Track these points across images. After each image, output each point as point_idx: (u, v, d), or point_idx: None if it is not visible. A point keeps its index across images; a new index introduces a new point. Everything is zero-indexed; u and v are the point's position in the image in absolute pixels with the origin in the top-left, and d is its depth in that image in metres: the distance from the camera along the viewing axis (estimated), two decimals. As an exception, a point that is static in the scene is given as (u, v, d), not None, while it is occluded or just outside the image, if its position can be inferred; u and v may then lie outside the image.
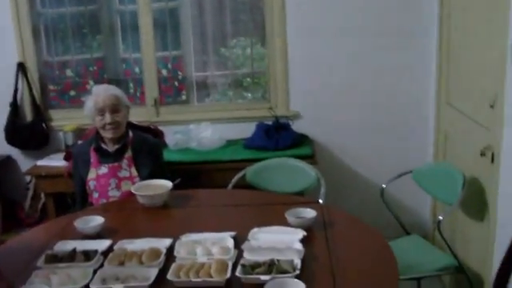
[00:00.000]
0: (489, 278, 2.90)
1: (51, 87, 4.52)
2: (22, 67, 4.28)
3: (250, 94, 4.49)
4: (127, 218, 2.79)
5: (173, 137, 4.05)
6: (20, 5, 4.22)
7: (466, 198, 3.14)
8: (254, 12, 4.31)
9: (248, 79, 4.50)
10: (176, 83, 4.53)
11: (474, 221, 3.27)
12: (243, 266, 2.07)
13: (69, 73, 4.55)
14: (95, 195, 3.17)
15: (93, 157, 3.21)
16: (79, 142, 3.86)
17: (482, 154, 2.99)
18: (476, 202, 3.17)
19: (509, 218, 2.66)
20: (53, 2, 4.38)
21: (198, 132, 4.06)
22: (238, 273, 2.03)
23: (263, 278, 1.97)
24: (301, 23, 4.06)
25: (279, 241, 2.26)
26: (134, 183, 3.08)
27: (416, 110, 4.15)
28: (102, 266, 2.18)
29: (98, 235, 2.49)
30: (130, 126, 3.35)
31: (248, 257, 2.15)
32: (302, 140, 4.04)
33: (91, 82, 4.46)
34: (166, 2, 4.33)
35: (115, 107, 3.16)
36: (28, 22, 4.26)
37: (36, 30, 4.34)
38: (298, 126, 4.13)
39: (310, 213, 2.49)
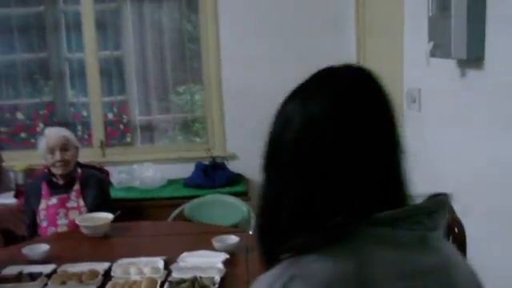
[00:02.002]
0: None
1: (2, 129, 4.77)
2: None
3: (198, 139, 4.81)
4: (71, 247, 3.05)
5: (117, 176, 4.33)
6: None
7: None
8: (194, 59, 4.67)
9: (197, 124, 4.84)
10: (121, 126, 4.84)
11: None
12: (170, 282, 2.39)
13: (19, 116, 4.80)
14: (44, 224, 3.42)
15: (44, 189, 3.48)
16: (29, 180, 4.12)
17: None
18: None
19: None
20: (5, 49, 4.67)
21: (140, 172, 4.34)
22: (165, 288, 2.35)
23: (186, 292, 2.29)
24: (236, 71, 4.43)
25: (204, 262, 2.58)
26: (81, 212, 3.38)
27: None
28: (46, 285, 2.45)
29: (43, 261, 2.74)
30: (78, 164, 3.65)
31: (175, 275, 2.47)
32: (237, 179, 4.37)
33: (41, 125, 4.71)
34: (111, 51, 4.67)
35: (64, 146, 3.47)
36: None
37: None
38: (234, 166, 4.46)
39: (233, 239, 2.82)
